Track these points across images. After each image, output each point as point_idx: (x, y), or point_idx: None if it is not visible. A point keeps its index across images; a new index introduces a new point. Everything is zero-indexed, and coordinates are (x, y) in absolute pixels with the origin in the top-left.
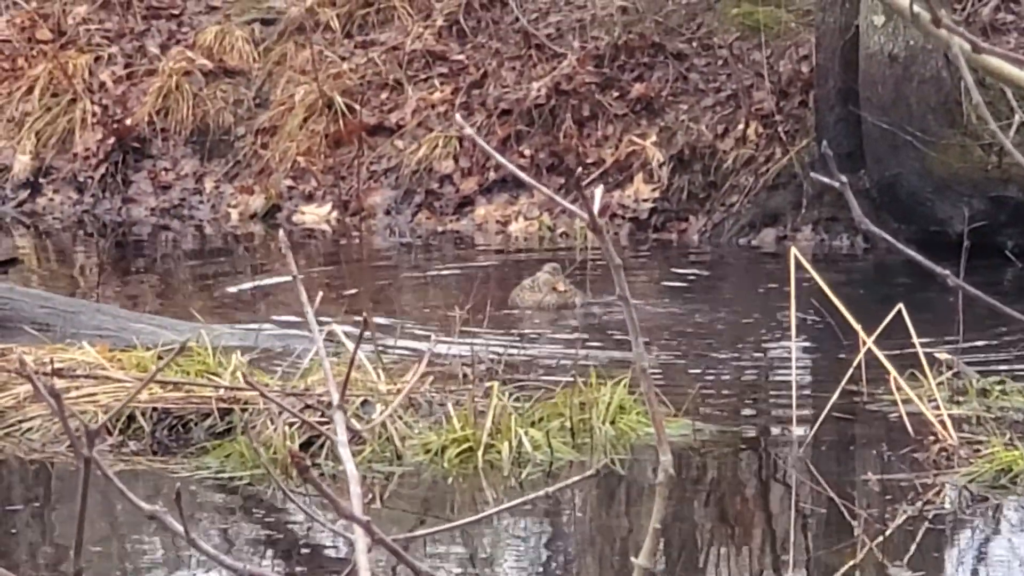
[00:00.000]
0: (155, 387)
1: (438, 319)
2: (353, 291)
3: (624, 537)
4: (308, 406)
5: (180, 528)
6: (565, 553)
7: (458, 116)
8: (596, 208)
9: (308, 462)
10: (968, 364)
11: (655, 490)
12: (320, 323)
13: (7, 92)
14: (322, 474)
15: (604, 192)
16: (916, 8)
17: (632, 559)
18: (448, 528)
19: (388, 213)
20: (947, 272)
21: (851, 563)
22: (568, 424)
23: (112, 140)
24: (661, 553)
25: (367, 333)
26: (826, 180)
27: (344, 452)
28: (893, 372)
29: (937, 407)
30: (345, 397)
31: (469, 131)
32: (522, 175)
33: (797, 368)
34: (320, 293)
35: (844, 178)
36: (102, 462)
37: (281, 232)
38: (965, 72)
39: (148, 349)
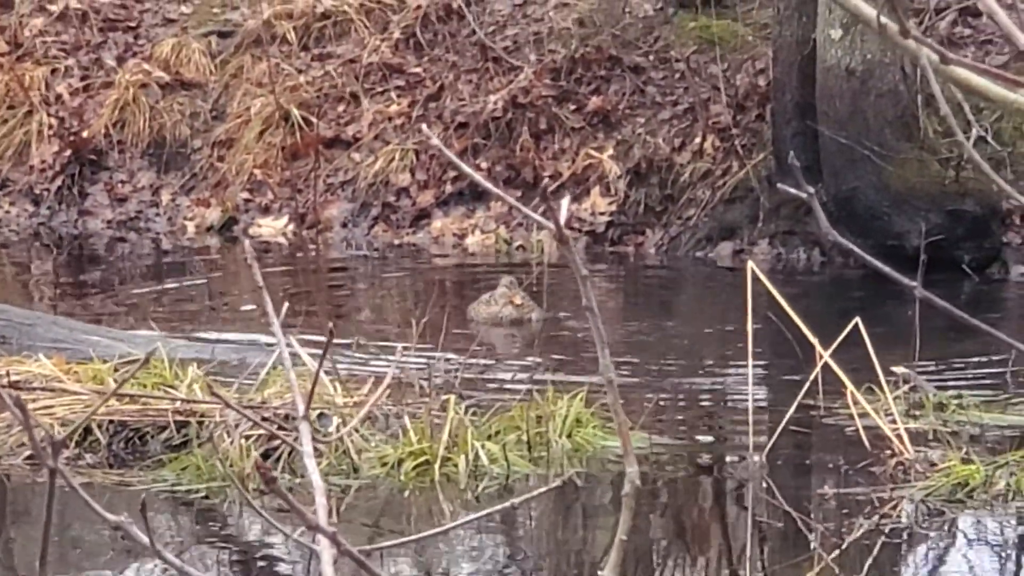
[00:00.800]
0: (112, 399)
1: (395, 332)
2: (309, 304)
3: (580, 550)
4: (265, 419)
5: (145, 539)
6: (523, 566)
7: (424, 127)
8: (563, 219)
9: (274, 473)
10: (925, 378)
11: (622, 502)
12: (288, 332)
13: None
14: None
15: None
16: (883, 19)
17: (599, 573)
18: (415, 540)
19: (345, 226)
20: (915, 283)
21: None
22: (525, 437)
23: (68, 152)
24: None
25: (320, 340)
26: (793, 191)
27: (310, 463)
28: (850, 386)
29: (894, 421)
30: (309, 410)
31: (435, 141)
32: (491, 187)
33: (754, 382)
34: (286, 304)
35: (812, 189)
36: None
37: (247, 243)
38: (933, 83)
39: (104, 362)
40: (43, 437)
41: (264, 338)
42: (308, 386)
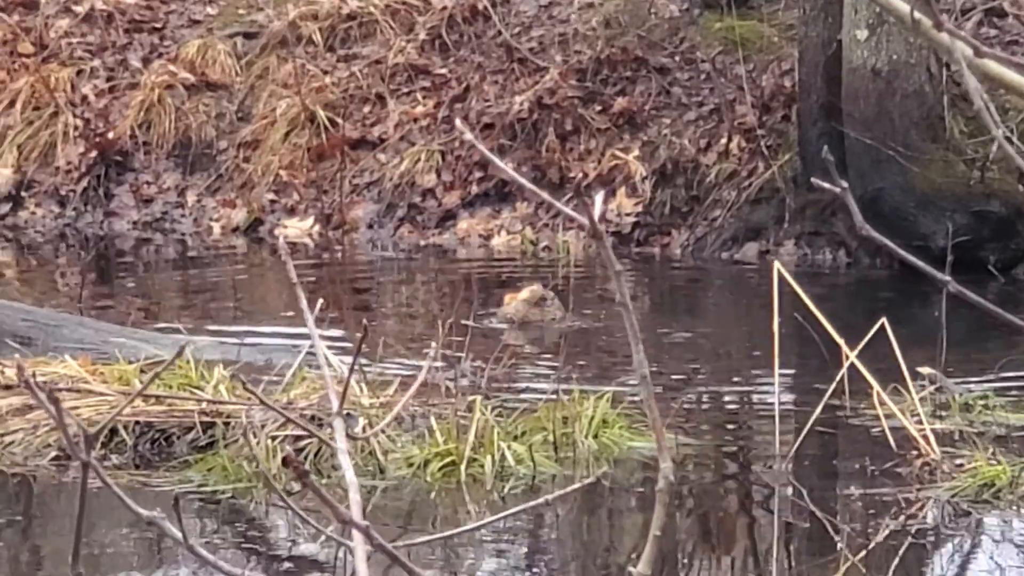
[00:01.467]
0: (137, 400)
1: (420, 333)
2: (335, 305)
3: (607, 550)
4: (292, 419)
5: (178, 534)
6: (550, 566)
7: (459, 122)
8: (596, 215)
9: (306, 467)
10: (951, 378)
11: (656, 497)
12: (305, 336)
13: None
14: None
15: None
16: (917, 14)
17: (631, 569)
18: (448, 535)
19: (370, 227)
20: (948, 278)
21: None
22: (551, 438)
23: (94, 154)
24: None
25: (348, 346)
26: (827, 186)
27: (344, 459)
28: (876, 387)
29: (920, 422)
30: (343, 406)
31: (469, 136)
32: (527, 183)
33: (779, 383)
34: (320, 300)
35: (845, 183)
36: (92, 472)
37: (281, 239)
38: (967, 77)
39: (130, 363)
40: (75, 432)
41: (291, 340)
42: (339, 384)
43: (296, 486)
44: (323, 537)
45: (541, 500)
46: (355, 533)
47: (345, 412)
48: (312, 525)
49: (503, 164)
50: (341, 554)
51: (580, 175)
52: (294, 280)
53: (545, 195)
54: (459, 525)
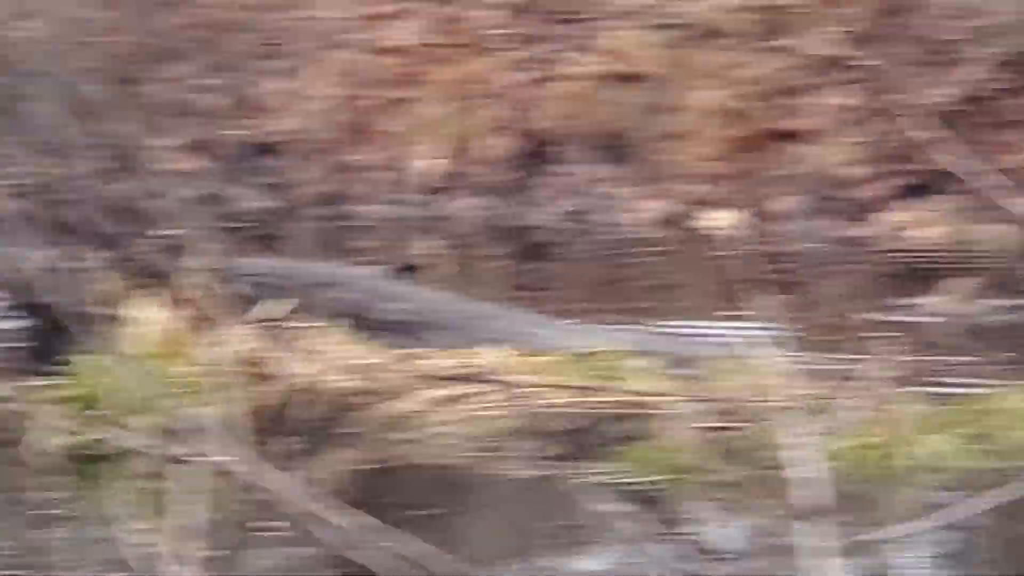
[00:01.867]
0: (558, 392)
1: (845, 325)
2: (762, 295)
3: None
4: (725, 412)
5: (618, 525)
6: (979, 563)
7: (896, 113)
8: None
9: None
10: None
11: None
12: (729, 326)
13: (415, 96)
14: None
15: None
16: None
17: None
18: (907, 530)
19: (794, 218)
20: None
21: None
22: (974, 432)
23: (519, 145)
24: None
25: (772, 336)
26: None
27: (791, 454)
28: None
29: None
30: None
31: (910, 133)
32: (966, 172)
33: None
34: (751, 292)
35: None
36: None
37: (710, 232)
38: None
39: (554, 354)
40: (518, 423)
41: (715, 329)
42: (770, 376)
43: (718, 477)
44: (746, 527)
45: (993, 498)
46: (804, 525)
47: (783, 404)
48: (745, 517)
49: (944, 154)
50: (772, 544)
51: (1007, 167)
52: (726, 274)
53: (988, 187)
54: (876, 520)
